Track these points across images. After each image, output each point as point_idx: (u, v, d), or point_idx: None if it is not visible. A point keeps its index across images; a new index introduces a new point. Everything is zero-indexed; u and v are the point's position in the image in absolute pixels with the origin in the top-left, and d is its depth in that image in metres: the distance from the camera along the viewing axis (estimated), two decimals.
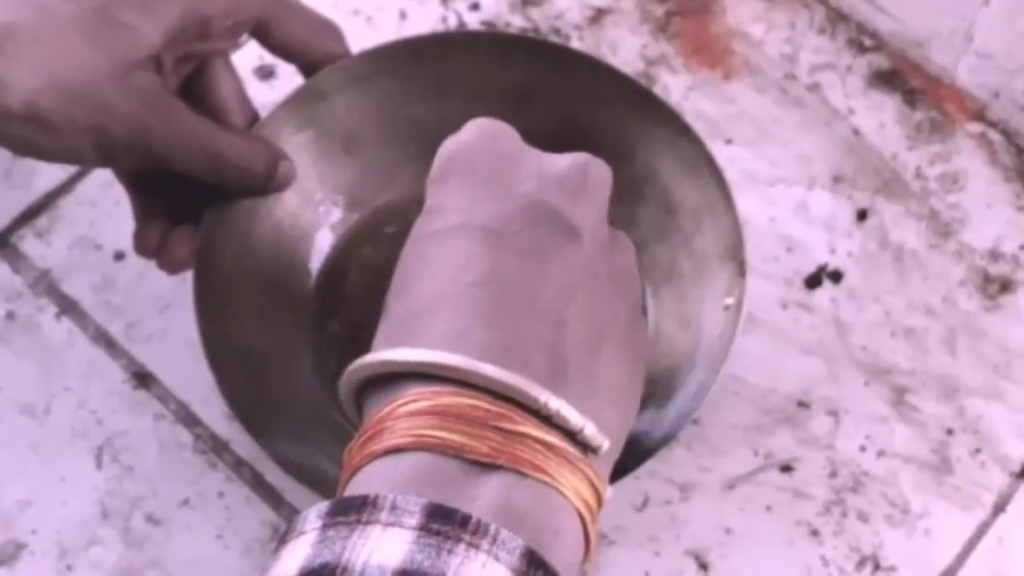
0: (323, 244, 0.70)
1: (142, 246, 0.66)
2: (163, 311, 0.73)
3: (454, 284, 0.51)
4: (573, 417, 0.49)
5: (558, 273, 0.52)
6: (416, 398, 0.49)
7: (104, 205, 0.75)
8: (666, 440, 0.62)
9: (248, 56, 0.77)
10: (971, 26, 0.73)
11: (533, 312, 0.51)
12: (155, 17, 0.60)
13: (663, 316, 0.68)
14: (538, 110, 0.68)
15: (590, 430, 0.49)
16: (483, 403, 0.48)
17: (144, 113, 0.60)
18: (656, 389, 0.64)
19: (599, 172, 0.55)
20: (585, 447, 0.50)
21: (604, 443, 0.50)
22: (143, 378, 0.72)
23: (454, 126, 0.69)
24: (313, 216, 0.69)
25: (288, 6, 0.66)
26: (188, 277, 0.65)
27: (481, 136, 0.56)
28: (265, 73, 0.78)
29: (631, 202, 0.68)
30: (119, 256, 0.74)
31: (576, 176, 0.54)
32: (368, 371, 0.51)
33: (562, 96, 0.68)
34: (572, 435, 0.49)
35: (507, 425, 0.48)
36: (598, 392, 0.51)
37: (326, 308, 0.70)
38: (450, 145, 0.56)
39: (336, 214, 0.70)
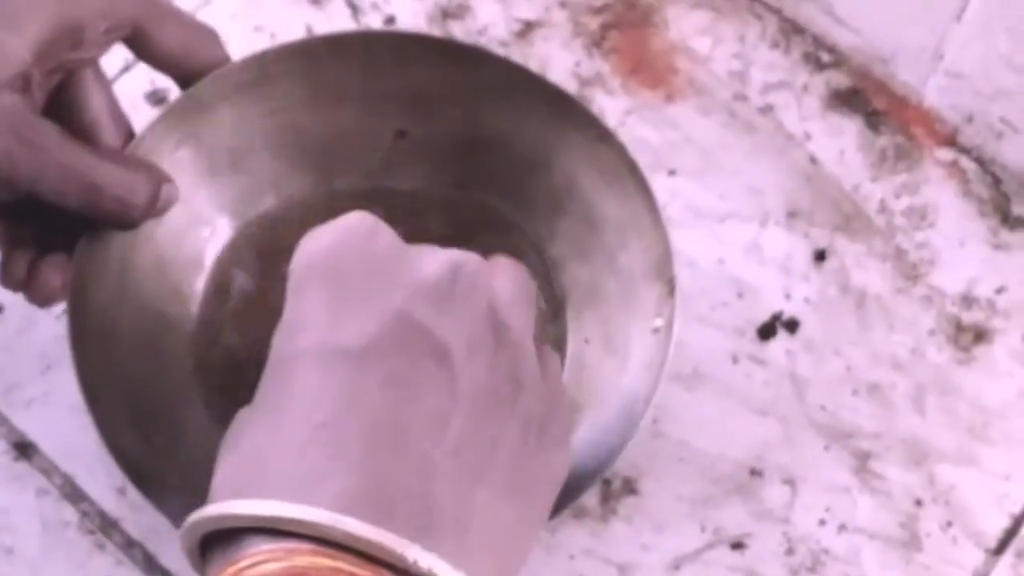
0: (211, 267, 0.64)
1: (8, 277, 0.59)
2: (44, 372, 0.66)
3: (306, 422, 0.45)
4: (446, 574, 0.43)
5: (426, 404, 0.46)
6: (267, 557, 0.42)
7: None
8: (593, 479, 0.56)
9: (138, 80, 0.70)
10: (941, 42, 0.66)
11: (397, 452, 0.45)
12: (21, 31, 0.53)
13: (586, 343, 0.62)
14: (443, 115, 0.63)
15: None
16: (344, 564, 0.42)
17: (10, 142, 0.53)
18: (581, 416, 0.59)
19: (472, 272, 0.49)
20: None
21: None
22: (24, 448, 0.64)
23: (349, 132, 0.63)
24: (199, 237, 0.63)
25: (165, 9, 0.59)
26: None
27: (345, 236, 0.49)
28: (157, 99, 0.71)
29: (550, 216, 0.63)
30: None
31: (446, 282, 0.48)
32: (209, 526, 0.44)
33: (469, 100, 0.62)
34: None
35: None
36: (475, 538, 0.45)
37: (210, 336, 0.63)
38: (310, 246, 0.49)
39: (224, 233, 0.64)
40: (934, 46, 0.67)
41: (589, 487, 0.56)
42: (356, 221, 0.50)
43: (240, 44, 0.69)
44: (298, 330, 0.48)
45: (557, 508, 0.54)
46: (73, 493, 0.64)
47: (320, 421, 0.45)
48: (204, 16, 0.72)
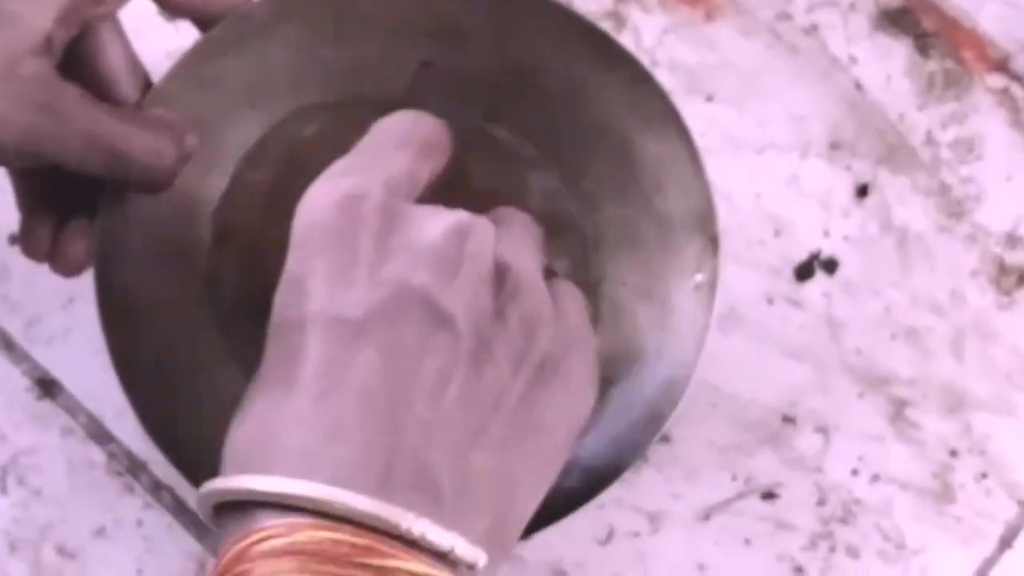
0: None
1: (31, 248, 0.58)
2: (66, 306, 0.65)
3: (307, 394, 0.46)
4: (440, 538, 0.45)
5: (427, 369, 0.46)
6: (271, 533, 0.44)
7: None
8: (633, 453, 0.55)
9: None
10: None
11: (395, 420, 0.46)
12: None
13: (623, 287, 0.60)
14: (472, 51, 0.60)
15: (461, 548, 0.45)
16: (346, 536, 0.44)
17: (36, 116, 0.52)
18: (616, 385, 0.57)
19: (478, 238, 0.49)
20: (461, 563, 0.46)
21: (479, 559, 0.46)
22: (48, 386, 0.64)
23: (372, 64, 0.61)
24: (219, 180, 0.61)
25: None
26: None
27: (347, 196, 0.49)
28: None
29: (583, 153, 0.60)
30: (14, 240, 0.65)
31: (451, 248, 0.48)
32: (218, 497, 0.46)
33: (499, 35, 0.59)
34: (444, 555, 0.45)
35: (376, 561, 0.44)
36: (472, 498, 0.47)
37: (223, 277, 0.62)
38: (313, 203, 0.49)
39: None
40: None
41: (631, 464, 0.55)
42: (359, 182, 0.49)
43: None
44: (300, 294, 0.48)
45: (595, 489, 0.54)
46: (99, 433, 0.64)
47: (321, 391, 0.46)
48: None
